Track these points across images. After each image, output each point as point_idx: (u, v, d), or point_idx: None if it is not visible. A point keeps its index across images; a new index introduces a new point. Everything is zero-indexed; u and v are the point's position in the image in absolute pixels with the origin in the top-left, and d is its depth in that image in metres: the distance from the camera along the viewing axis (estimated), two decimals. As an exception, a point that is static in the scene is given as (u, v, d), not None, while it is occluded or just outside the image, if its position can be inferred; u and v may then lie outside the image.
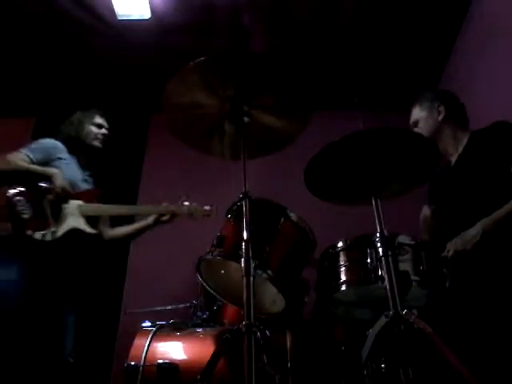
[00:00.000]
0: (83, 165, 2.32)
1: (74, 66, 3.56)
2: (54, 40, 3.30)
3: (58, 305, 2.02)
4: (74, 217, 2.08)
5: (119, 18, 3.09)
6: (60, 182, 2.04)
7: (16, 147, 2.18)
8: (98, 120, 2.38)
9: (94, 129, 2.34)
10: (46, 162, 2.14)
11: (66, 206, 2.07)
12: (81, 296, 2.19)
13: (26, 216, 1.93)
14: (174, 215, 2.20)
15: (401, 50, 3.35)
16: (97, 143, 2.34)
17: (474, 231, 1.63)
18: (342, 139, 1.37)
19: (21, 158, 2.09)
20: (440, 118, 1.96)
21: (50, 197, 2.02)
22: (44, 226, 1.97)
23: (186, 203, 2.20)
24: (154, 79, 2.63)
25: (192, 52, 1.41)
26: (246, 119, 1.52)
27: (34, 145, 2.20)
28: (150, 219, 2.22)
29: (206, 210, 2.18)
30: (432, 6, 3.00)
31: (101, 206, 2.20)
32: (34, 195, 2.00)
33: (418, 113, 2.04)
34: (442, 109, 1.97)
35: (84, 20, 3.11)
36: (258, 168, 1.82)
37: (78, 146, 2.31)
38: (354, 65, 3.50)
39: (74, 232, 2.05)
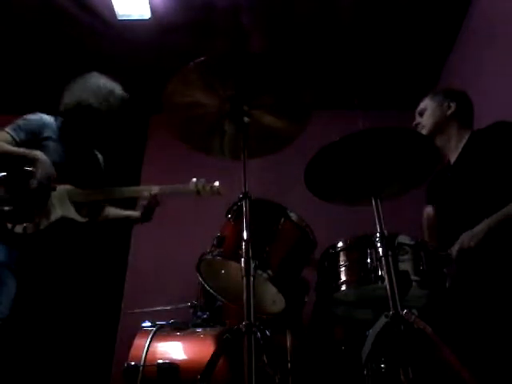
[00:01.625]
0: (74, 146, 2.07)
1: (74, 66, 3.55)
2: (53, 40, 3.30)
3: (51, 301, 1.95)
4: (62, 204, 1.87)
5: (119, 18, 3.10)
6: (42, 166, 1.81)
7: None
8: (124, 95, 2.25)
9: (119, 106, 2.20)
10: (31, 142, 1.91)
11: (53, 192, 1.86)
12: (75, 287, 2.10)
13: (5, 208, 1.75)
14: (154, 197, 2.01)
15: (400, 50, 3.36)
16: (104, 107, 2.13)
17: (480, 228, 1.62)
18: (341, 139, 1.37)
19: (3, 138, 1.87)
20: (448, 112, 1.96)
21: (34, 182, 1.79)
22: (26, 217, 1.78)
23: (194, 179, 2.02)
24: (154, 79, 2.64)
25: (192, 52, 1.41)
26: (246, 119, 1.52)
27: (20, 121, 1.96)
28: (138, 213, 2.07)
29: (214, 187, 2.00)
30: (432, 6, 3.00)
31: (91, 191, 1.99)
32: (16, 181, 1.81)
33: (427, 102, 2.03)
34: (452, 105, 1.96)
35: (84, 20, 3.11)
36: (258, 168, 1.82)
37: (76, 117, 2.05)
38: (353, 64, 3.50)
39: (62, 221, 1.86)
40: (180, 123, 1.60)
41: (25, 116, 2.01)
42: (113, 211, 2.15)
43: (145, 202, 2.04)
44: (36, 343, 1.95)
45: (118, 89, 2.20)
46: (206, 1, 3.00)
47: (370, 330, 1.27)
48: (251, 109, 1.53)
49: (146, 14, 3.05)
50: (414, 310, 1.22)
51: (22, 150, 1.85)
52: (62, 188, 1.89)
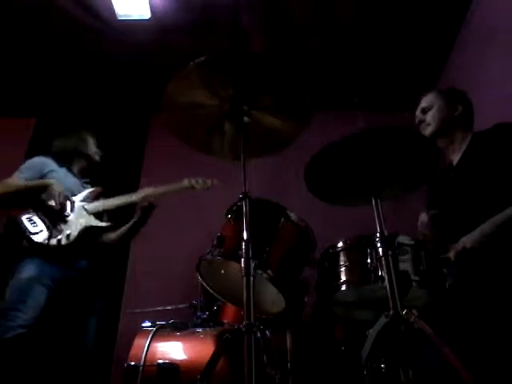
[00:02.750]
0: (77, 173, 2.39)
1: (74, 66, 3.56)
2: (53, 40, 3.30)
3: (83, 307, 2.13)
4: (82, 217, 2.15)
5: (119, 18, 3.09)
6: (58, 188, 2.08)
7: (16, 147, 2.19)
8: (95, 140, 2.49)
9: (94, 148, 2.45)
10: (38, 178, 2.18)
11: (71, 209, 2.13)
12: (102, 295, 2.28)
13: (33, 230, 2.00)
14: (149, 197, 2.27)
15: (400, 50, 3.36)
16: (98, 158, 2.46)
17: (477, 232, 1.62)
18: (342, 139, 1.37)
19: (14, 180, 2.14)
20: (455, 113, 1.93)
21: (55, 202, 2.05)
22: (56, 233, 2.03)
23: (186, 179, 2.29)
24: (154, 79, 2.64)
25: (192, 52, 1.41)
26: (246, 119, 1.52)
27: (23, 166, 2.24)
28: (138, 213, 2.29)
29: (207, 180, 2.27)
30: (432, 6, 3.00)
31: (104, 200, 2.28)
32: (38, 210, 2.07)
33: (433, 99, 1.98)
34: (460, 107, 1.93)
35: (84, 20, 3.11)
36: (258, 168, 1.82)
37: (70, 157, 2.38)
38: (353, 65, 3.50)
39: (88, 230, 2.14)
40: (180, 123, 1.61)
41: (26, 161, 2.30)
42: (118, 232, 2.35)
43: (144, 204, 2.27)
44: (44, 345, 2.03)
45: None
46: (205, 1, 3.00)
47: (370, 330, 1.26)
48: (251, 109, 1.53)
49: (146, 13, 3.05)
50: (414, 310, 1.22)
51: (33, 182, 2.13)
52: (77, 204, 2.18)
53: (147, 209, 2.27)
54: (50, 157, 2.33)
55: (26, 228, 2.00)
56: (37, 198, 2.08)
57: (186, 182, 2.29)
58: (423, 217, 1.93)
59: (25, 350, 1.84)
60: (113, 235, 2.34)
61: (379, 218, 1.39)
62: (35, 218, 2.05)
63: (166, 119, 1.57)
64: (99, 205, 2.25)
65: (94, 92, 3.78)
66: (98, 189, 2.35)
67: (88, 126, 2.58)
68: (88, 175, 2.44)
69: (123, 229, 2.34)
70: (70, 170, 2.36)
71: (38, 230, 2.01)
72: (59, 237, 2.02)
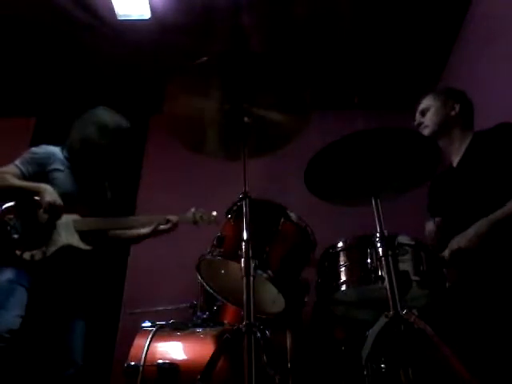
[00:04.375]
0: (82, 176, 2.18)
1: (74, 66, 3.56)
2: (53, 40, 3.31)
3: (61, 312, 2.03)
4: (67, 233, 1.99)
5: (119, 18, 3.10)
6: (49, 197, 1.91)
7: (16, 147, 2.17)
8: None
9: (120, 142, 2.25)
10: (40, 174, 2.03)
11: (59, 221, 1.98)
12: (84, 303, 2.16)
13: (15, 236, 1.89)
14: (174, 225, 2.21)
15: (401, 50, 3.36)
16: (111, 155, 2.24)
17: (471, 231, 1.62)
18: (342, 139, 1.37)
19: (12, 171, 1.98)
20: (452, 113, 1.93)
21: (41, 212, 1.92)
22: (34, 244, 1.91)
23: (192, 209, 2.24)
24: (154, 80, 2.64)
25: (192, 52, 1.41)
26: (246, 119, 1.52)
27: (27, 155, 2.07)
28: (148, 229, 2.20)
29: (211, 216, 2.21)
30: (432, 6, 3.00)
31: (97, 220, 2.10)
32: (25, 211, 1.94)
33: (430, 101, 2.00)
34: (457, 106, 1.94)
35: (84, 20, 3.11)
36: (258, 168, 1.82)
37: (89, 156, 2.16)
38: (354, 64, 3.50)
39: (67, 249, 1.98)
40: (180, 123, 1.60)
41: (31, 149, 2.12)
42: (125, 232, 2.27)
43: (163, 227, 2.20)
44: (38, 344, 2.00)
45: (122, 123, 2.26)
46: (206, 1, 3.00)
47: (370, 330, 1.26)
48: (251, 109, 1.53)
49: (146, 14, 3.05)
50: (414, 310, 1.22)
51: (27, 183, 1.96)
52: (68, 217, 2.00)
53: (161, 230, 2.20)
54: (61, 149, 2.15)
55: (9, 232, 1.88)
56: (27, 200, 1.94)
57: (190, 216, 2.25)
58: (430, 226, 1.93)
59: (11, 351, 1.78)
60: (121, 232, 2.24)
61: (379, 218, 1.39)
62: (17, 223, 1.92)
63: (165, 119, 1.57)
64: (90, 223, 2.07)
65: (93, 92, 3.78)
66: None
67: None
68: (92, 176, 2.24)
69: (131, 233, 2.24)
70: (76, 171, 2.15)
71: (15, 237, 1.89)
72: (34, 252, 1.89)
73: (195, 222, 2.22)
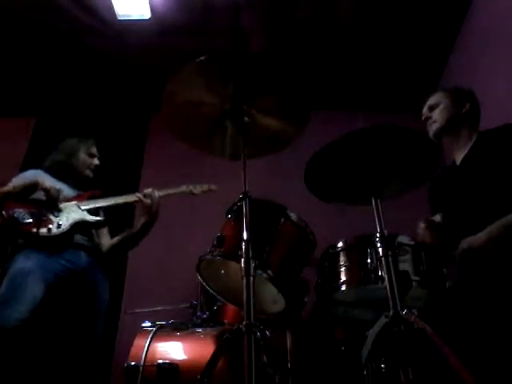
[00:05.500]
0: (73, 187, 2.31)
1: (74, 66, 3.56)
2: (53, 40, 3.31)
3: (90, 307, 2.10)
4: (75, 212, 2.13)
5: (119, 18, 3.10)
6: (48, 183, 2.05)
7: (16, 147, 2.17)
8: (93, 150, 2.41)
9: (87, 159, 2.37)
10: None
11: (63, 206, 2.10)
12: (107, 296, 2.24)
13: (25, 221, 1.96)
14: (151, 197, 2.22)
15: (401, 51, 3.36)
16: (88, 173, 2.38)
17: (482, 235, 1.62)
18: (342, 138, 1.37)
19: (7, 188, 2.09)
20: (463, 111, 1.92)
21: (44, 193, 2.03)
22: (45, 223, 2.00)
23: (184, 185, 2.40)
24: (154, 79, 2.64)
25: (192, 52, 1.41)
26: (246, 119, 1.52)
27: (19, 175, 2.22)
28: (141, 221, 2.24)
29: (205, 186, 2.38)
30: (432, 6, 3.00)
31: (100, 199, 2.24)
32: (29, 205, 2.02)
33: (440, 97, 1.98)
34: (467, 105, 1.93)
35: (84, 20, 3.11)
36: (258, 168, 1.82)
37: (66, 172, 2.31)
38: (354, 65, 3.50)
39: (80, 224, 2.11)
40: (180, 122, 1.60)
41: (19, 174, 2.27)
42: (117, 238, 2.33)
43: (147, 203, 2.21)
44: (44, 344, 2.03)
45: (86, 142, 2.43)
46: (205, 1, 3.00)
47: (370, 330, 1.26)
48: (251, 109, 1.53)
49: (146, 14, 3.05)
50: (414, 310, 1.22)
51: (24, 182, 2.07)
52: (70, 203, 2.15)
53: (147, 224, 2.22)
54: (43, 170, 2.29)
55: (17, 218, 1.96)
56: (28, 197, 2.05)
57: (184, 188, 2.39)
58: (420, 226, 1.93)
59: (20, 344, 1.84)
60: (115, 240, 2.31)
61: (379, 218, 1.39)
62: (24, 212, 2.00)
63: (165, 118, 1.57)
64: (93, 202, 2.22)
65: (93, 92, 3.78)
66: (97, 191, 2.31)
67: (85, 132, 2.53)
68: (85, 187, 2.37)
69: (125, 234, 2.30)
70: (66, 183, 2.28)
71: (27, 221, 1.97)
72: (50, 226, 1.98)
73: (190, 191, 2.40)
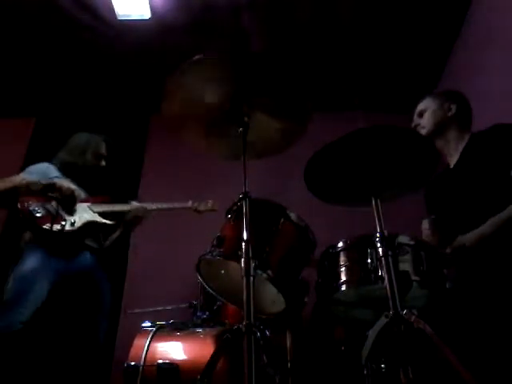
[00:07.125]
0: (79, 186, 2.33)
1: (74, 66, 3.56)
2: (53, 40, 3.31)
3: (93, 305, 2.17)
4: (87, 213, 2.22)
5: (119, 18, 3.10)
6: (65, 184, 2.13)
7: (16, 147, 2.18)
8: (102, 149, 2.45)
9: (94, 161, 2.42)
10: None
11: (76, 206, 2.19)
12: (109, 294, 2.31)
13: (39, 214, 2.03)
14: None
15: (401, 51, 3.36)
16: (92, 173, 2.44)
17: (473, 234, 1.63)
18: (341, 138, 1.37)
19: (20, 178, 2.15)
20: (449, 114, 1.94)
21: (59, 196, 2.11)
22: (59, 220, 2.07)
23: (190, 201, 2.47)
24: (154, 79, 2.64)
25: (192, 52, 1.41)
26: (246, 119, 1.52)
27: (27, 169, 2.26)
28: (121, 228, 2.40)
29: (209, 203, 2.46)
30: (432, 6, 3.01)
31: (108, 204, 2.34)
32: (43, 199, 2.09)
33: (427, 103, 2.02)
34: (453, 107, 1.95)
35: (84, 20, 3.11)
36: (258, 168, 1.82)
37: (72, 173, 2.36)
38: (354, 65, 3.50)
39: (92, 225, 2.21)
40: (180, 123, 1.60)
41: (29, 166, 2.31)
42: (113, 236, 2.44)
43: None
44: (44, 343, 2.06)
45: (95, 141, 2.47)
46: (206, 1, 3.00)
47: (370, 330, 1.26)
48: (251, 109, 1.53)
49: (146, 13, 3.05)
50: (414, 310, 1.22)
51: (41, 181, 2.12)
52: (83, 204, 2.24)
53: (130, 223, 2.37)
54: (55, 166, 2.34)
55: (31, 212, 2.02)
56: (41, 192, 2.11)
57: (189, 204, 2.47)
58: (425, 223, 1.93)
59: (23, 345, 1.89)
60: (111, 238, 2.40)
61: (379, 218, 1.39)
62: (39, 206, 2.06)
63: (165, 119, 1.57)
64: (103, 206, 2.31)
65: (93, 92, 3.78)
66: (106, 196, 2.40)
67: (95, 129, 2.57)
68: (87, 186, 2.41)
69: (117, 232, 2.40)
70: (73, 182, 2.31)
71: (41, 215, 2.03)
72: (63, 223, 2.05)
73: (195, 209, 2.48)
